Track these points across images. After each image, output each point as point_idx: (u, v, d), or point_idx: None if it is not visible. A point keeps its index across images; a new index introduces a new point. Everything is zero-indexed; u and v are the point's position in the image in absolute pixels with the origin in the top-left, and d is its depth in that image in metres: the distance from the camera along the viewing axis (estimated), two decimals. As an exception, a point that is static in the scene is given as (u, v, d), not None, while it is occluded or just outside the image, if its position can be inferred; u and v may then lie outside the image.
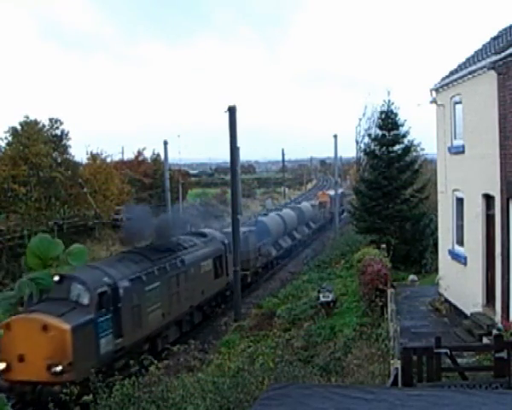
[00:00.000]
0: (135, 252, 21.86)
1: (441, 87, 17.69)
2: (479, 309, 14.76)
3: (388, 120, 29.36)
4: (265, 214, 43.11)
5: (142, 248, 23.07)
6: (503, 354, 9.66)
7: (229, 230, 33.77)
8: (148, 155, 57.95)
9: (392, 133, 29.33)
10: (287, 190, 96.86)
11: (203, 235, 27.84)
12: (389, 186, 28.19)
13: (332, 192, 67.79)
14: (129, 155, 60.63)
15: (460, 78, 15.84)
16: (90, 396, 11.48)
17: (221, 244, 28.12)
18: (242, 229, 32.53)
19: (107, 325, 16.73)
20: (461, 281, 16.36)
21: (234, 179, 27.34)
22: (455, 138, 17.07)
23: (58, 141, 43.65)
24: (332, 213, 62.06)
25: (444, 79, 17.49)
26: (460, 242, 16.79)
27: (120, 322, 17.44)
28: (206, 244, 26.61)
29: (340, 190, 70.73)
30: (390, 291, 15.64)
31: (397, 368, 9.65)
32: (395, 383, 9.39)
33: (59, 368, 14.72)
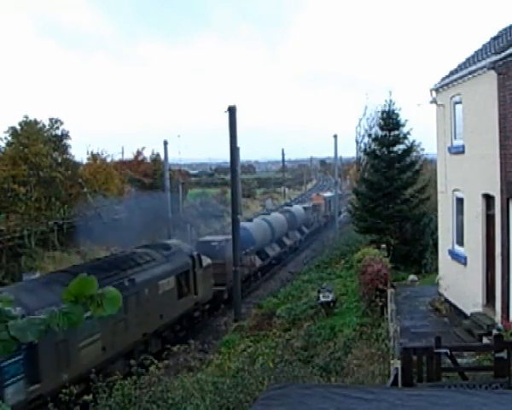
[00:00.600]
0: (68, 272, 18.02)
1: (441, 87, 17.69)
2: (479, 309, 14.76)
3: (389, 120, 29.34)
4: (250, 220, 39.20)
5: (78, 267, 20.06)
6: (503, 354, 9.66)
7: (208, 238, 32.36)
8: (147, 154, 57.90)
9: (392, 133, 29.33)
10: (287, 190, 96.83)
11: (165, 247, 23.88)
12: (390, 187, 28.19)
13: (327, 194, 65.77)
14: (129, 155, 60.63)
15: (460, 78, 15.84)
16: (90, 396, 11.47)
17: (188, 258, 24.03)
18: (218, 238, 31.02)
19: (15, 369, 13.37)
20: (461, 281, 16.36)
21: (234, 179, 27.35)
22: (455, 138, 17.07)
23: (58, 141, 43.63)
24: (327, 217, 60.00)
25: (444, 79, 17.49)
26: (460, 242, 16.79)
27: (37, 363, 14.11)
28: (167, 259, 22.60)
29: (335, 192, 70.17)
30: (390, 291, 15.65)
31: (397, 368, 9.65)
32: (395, 383, 9.39)
33: None
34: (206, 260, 26.17)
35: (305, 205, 55.09)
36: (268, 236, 38.87)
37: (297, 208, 50.28)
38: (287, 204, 55.70)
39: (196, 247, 28.30)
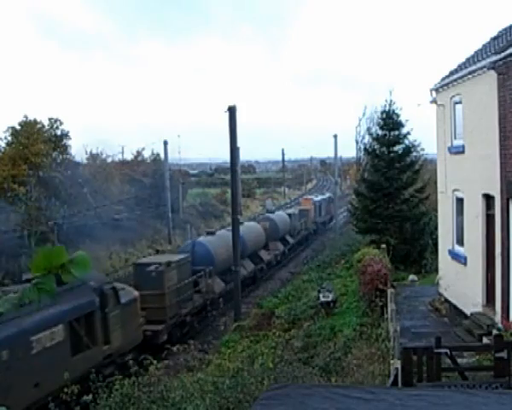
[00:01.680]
0: None
1: (441, 87, 17.69)
2: (479, 309, 14.76)
3: (389, 120, 29.36)
4: (212, 233, 31.97)
5: None
6: (503, 354, 9.66)
7: (146, 260, 25.17)
8: (147, 155, 57.95)
9: (393, 133, 29.34)
10: (287, 190, 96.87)
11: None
12: (390, 187, 28.20)
13: (317, 197, 58.65)
14: (129, 155, 60.69)
15: (460, 78, 15.85)
16: (90, 396, 11.47)
17: (92, 295, 17.28)
18: (159, 259, 24.15)
19: None
20: (461, 281, 16.37)
21: (234, 179, 27.36)
22: (455, 138, 17.08)
23: (58, 141, 43.67)
24: (316, 223, 53.85)
25: (444, 79, 17.49)
26: (460, 242, 16.79)
27: None
28: (56, 300, 14.70)
29: (326, 195, 61.73)
30: (390, 291, 15.64)
31: (397, 368, 9.66)
32: (395, 383, 9.39)
33: None
34: (130, 294, 19.93)
35: (290, 211, 47.72)
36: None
37: (280, 215, 43.41)
38: (268, 211, 46.08)
39: (133, 271, 23.82)
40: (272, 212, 44.56)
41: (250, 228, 35.79)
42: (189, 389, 10.64)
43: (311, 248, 46.61)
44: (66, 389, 11.79)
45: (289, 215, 44.60)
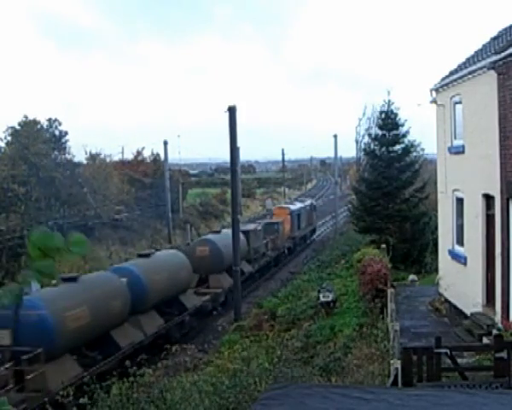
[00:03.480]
0: None
1: (441, 87, 17.69)
2: (479, 309, 14.75)
3: (388, 120, 29.40)
4: (145, 255, 24.16)
5: None
6: (503, 354, 9.66)
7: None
8: (147, 155, 57.93)
9: (392, 133, 29.37)
10: (287, 190, 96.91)
11: None
12: (389, 186, 28.23)
13: (296, 205, 47.59)
14: (129, 155, 60.65)
15: (460, 78, 15.84)
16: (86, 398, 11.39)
17: None
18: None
19: None
20: (461, 281, 16.36)
21: (234, 179, 27.37)
22: (455, 138, 17.07)
23: (57, 141, 43.66)
24: (294, 239, 43.45)
25: (444, 79, 17.48)
26: (460, 242, 16.78)
27: None
28: None
29: (307, 202, 51.09)
30: (390, 291, 15.65)
31: (397, 368, 9.65)
32: (395, 383, 9.39)
33: None
34: None
35: (250, 227, 35.44)
36: (124, 302, 20.17)
37: (228, 236, 27.95)
38: (212, 232, 33.70)
39: None
40: (217, 232, 31.67)
41: (166, 261, 24.58)
42: (187, 390, 10.63)
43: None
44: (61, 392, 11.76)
45: (246, 233, 32.27)
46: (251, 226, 35.69)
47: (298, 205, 47.84)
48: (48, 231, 2.19)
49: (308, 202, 52.18)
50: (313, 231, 51.17)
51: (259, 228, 35.46)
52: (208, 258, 28.29)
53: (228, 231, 29.62)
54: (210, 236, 31.25)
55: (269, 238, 36.80)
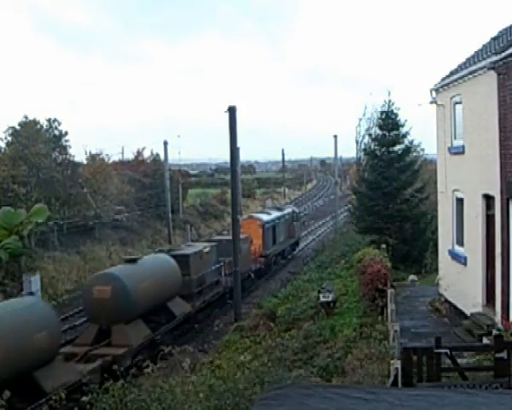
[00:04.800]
0: None
1: (441, 87, 17.69)
2: (479, 309, 14.76)
3: (388, 121, 29.43)
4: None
5: None
6: (503, 355, 9.66)
7: None
8: (146, 155, 57.97)
9: (392, 133, 29.40)
10: (287, 190, 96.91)
11: None
12: (389, 186, 28.24)
13: (271, 215, 38.81)
14: (129, 155, 60.69)
15: (460, 78, 15.85)
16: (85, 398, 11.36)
17: None
18: None
19: None
20: (461, 281, 16.36)
21: (234, 179, 27.37)
22: (455, 138, 17.08)
23: (57, 141, 43.66)
24: (267, 258, 34.91)
25: (444, 79, 17.49)
26: (460, 242, 16.79)
27: None
28: None
29: (286, 210, 43.41)
30: (390, 291, 15.65)
31: (397, 368, 9.64)
32: (395, 383, 9.38)
33: None
34: None
35: (191, 250, 26.07)
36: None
37: (147, 265, 22.14)
38: (127, 260, 23.10)
39: None
40: (133, 260, 22.26)
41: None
42: (184, 392, 10.58)
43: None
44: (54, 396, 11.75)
45: (182, 258, 24.11)
46: (192, 249, 26.24)
47: (274, 214, 39.58)
48: (10, 209, 2.20)
49: (288, 209, 44.48)
50: (295, 244, 43.37)
51: (207, 250, 26.74)
52: (110, 301, 19.44)
53: (156, 257, 24.04)
54: (115, 269, 21.74)
55: (224, 261, 28.19)
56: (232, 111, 25.30)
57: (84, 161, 47.22)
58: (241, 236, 29.33)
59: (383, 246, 22.90)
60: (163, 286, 22.18)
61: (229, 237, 27.53)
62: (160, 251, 26.50)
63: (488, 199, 14.46)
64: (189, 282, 24.32)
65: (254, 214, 39.50)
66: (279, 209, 43.89)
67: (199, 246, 27.65)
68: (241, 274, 27.10)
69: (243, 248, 29.78)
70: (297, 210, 46.37)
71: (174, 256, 23.97)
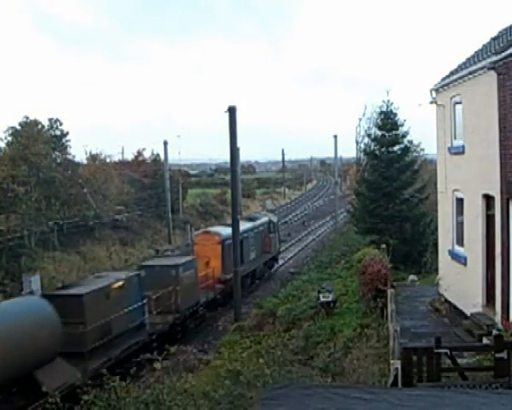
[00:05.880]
0: None
1: (441, 87, 17.68)
2: (479, 309, 14.75)
3: (388, 121, 29.44)
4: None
5: None
6: (503, 355, 9.66)
7: None
8: (147, 155, 57.99)
9: (391, 133, 29.40)
10: (287, 190, 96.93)
11: None
12: (389, 187, 28.24)
13: (240, 227, 27.99)
14: (129, 155, 60.72)
15: (460, 78, 15.84)
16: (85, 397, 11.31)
17: None
18: None
19: None
20: (461, 281, 16.36)
21: (234, 180, 27.36)
22: (455, 138, 17.07)
23: (57, 141, 43.67)
24: (225, 283, 28.04)
25: (444, 79, 17.48)
26: (460, 242, 16.78)
27: None
28: None
29: (261, 219, 36.38)
30: (390, 291, 15.64)
31: (397, 368, 9.64)
32: (395, 383, 9.38)
33: None
34: None
35: (92, 286, 18.35)
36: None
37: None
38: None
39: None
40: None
41: None
42: (183, 393, 10.58)
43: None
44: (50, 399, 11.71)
45: (71, 301, 17.27)
46: (93, 285, 18.63)
47: (244, 226, 31.40)
48: None
49: (263, 219, 36.70)
50: (273, 260, 36.58)
51: (119, 284, 19.31)
52: None
53: (15, 304, 16.71)
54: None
55: (151, 296, 21.23)
56: (232, 111, 25.29)
57: (85, 161, 47.24)
58: (184, 259, 24.76)
59: (383, 246, 22.90)
60: (23, 349, 14.72)
61: (168, 262, 23.87)
62: (30, 293, 21.91)
63: (488, 199, 14.46)
64: (80, 335, 16.88)
65: (211, 229, 32.42)
66: (251, 219, 35.92)
67: (110, 278, 19.77)
68: (178, 312, 22.33)
69: (185, 276, 23.38)
70: (275, 219, 38.34)
71: (55, 298, 16.84)
